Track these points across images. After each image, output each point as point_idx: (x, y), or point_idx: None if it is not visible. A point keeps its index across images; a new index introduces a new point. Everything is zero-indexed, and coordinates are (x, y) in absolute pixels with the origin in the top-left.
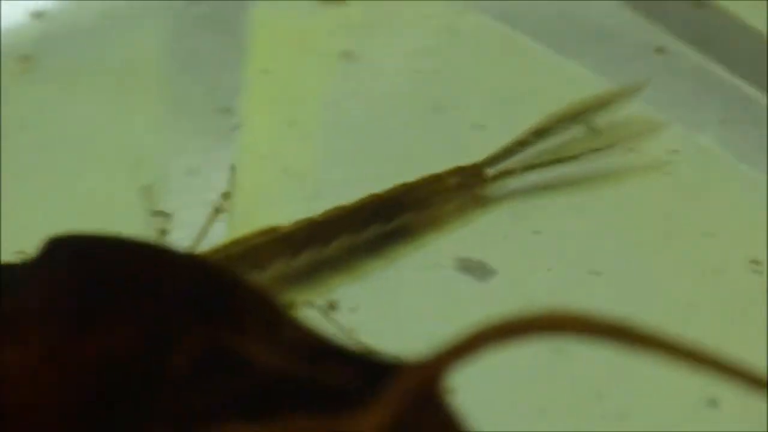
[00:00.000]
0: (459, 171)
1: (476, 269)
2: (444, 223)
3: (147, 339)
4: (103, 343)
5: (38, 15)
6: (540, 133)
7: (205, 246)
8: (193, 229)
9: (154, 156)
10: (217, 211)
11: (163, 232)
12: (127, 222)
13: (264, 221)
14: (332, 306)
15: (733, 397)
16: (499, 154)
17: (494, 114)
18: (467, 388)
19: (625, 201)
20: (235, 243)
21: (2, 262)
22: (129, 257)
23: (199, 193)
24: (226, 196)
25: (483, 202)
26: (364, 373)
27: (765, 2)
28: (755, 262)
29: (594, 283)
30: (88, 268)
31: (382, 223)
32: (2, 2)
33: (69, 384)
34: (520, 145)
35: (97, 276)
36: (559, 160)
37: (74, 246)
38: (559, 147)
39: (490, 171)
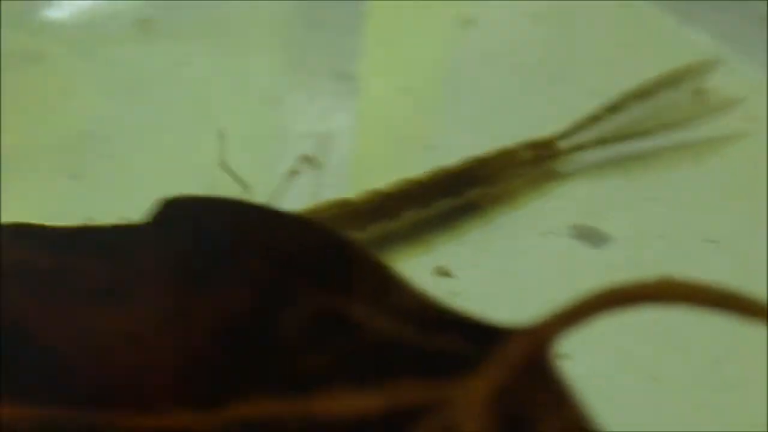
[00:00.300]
0: (532, 145)
1: (591, 236)
2: (515, 198)
3: (259, 301)
4: (217, 305)
5: None
6: (615, 107)
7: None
8: (307, 191)
9: (271, 119)
10: (293, 173)
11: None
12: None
13: (379, 186)
14: (442, 272)
15: None
16: (573, 127)
17: (612, 81)
18: (578, 355)
19: (741, 168)
20: (306, 214)
21: (119, 223)
22: (242, 219)
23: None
24: (304, 159)
25: (555, 177)
26: (474, 338)
27: None
28: None
29: (708, 251)
30: (202, 230)
31: (452, 196)
32: None
33: (183, 346)
34: (595, 119)
35: (211, 238)
36: (632, 135)
37: (188, 208)
38: (636, 121)
39: (564, 145)
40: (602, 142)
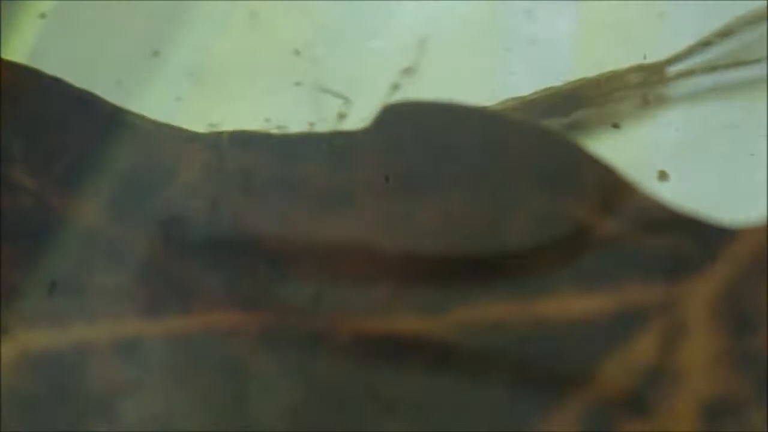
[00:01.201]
0: (640, 69)
1: None
2: (619, 122)
3: (485, 204)
4: (441, 209)
5: None
6: (725, 34)
7: None
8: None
9: (498, 24)
10: (394, 87)
11: (341, 116)
12: (472, 87)
13: None
14: (663, 176)
15: None
16: (682, 53)
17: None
18: None
19: None
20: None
21: (340, 130)
22: (465, 123)
23: (540, 63)
24: (408, 71)
25: (660, 102)
26: (701, 238)
27: None
28: None
29: None
30: (424, 134)
31: (558, 117)
32: None
33: (408, 251)
34: (704, 45)
35: (434, 142)
36: (740, 63)
37: (409, 112)
38: (744, 48)
39: (672, 70)
40: (712, 68)
